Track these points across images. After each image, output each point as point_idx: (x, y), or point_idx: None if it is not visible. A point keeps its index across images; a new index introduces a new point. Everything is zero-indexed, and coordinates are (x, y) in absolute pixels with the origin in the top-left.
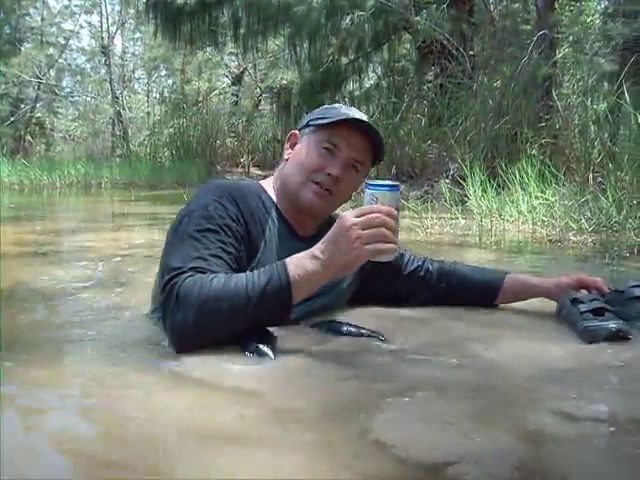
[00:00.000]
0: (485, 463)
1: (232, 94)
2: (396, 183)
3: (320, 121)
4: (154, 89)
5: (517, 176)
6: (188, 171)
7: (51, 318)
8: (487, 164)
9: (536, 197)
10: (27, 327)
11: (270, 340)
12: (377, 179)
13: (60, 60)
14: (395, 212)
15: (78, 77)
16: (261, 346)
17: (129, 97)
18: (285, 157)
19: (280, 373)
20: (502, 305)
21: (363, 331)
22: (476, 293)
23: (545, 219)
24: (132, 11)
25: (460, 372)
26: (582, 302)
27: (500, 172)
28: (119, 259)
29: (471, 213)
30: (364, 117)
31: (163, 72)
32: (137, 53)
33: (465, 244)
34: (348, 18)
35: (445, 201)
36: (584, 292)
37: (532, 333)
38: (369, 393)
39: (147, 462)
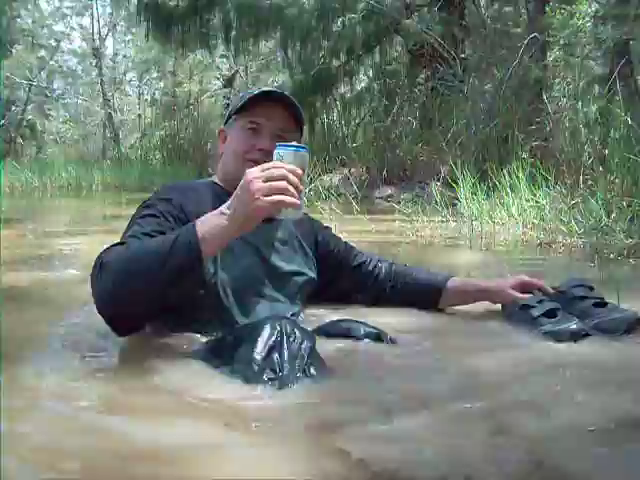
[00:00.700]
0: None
1: (223, 97)
2: (304, 145)
3: (236, 109)
4: (145, 91)
5: (508, 179)
6: (179, 174)
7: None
8: (478, 167)
9: (526, 200)
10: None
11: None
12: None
13: (51, 62)
14: (299, 171)
15: (69, 79)
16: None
17: (120, 99)
18: (220, 152)
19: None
20: (455, 309)
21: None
22: (420, 295)
23: (535, 222)
24: (123, 13)
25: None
26: (532, 306)
27: (491, 175)
28: None
29: (462, 216)
30: (277, 89)
31: (154, 74)
32: (128, 55)
33: (455, 246)
34: (339, 21)
35: (436, 204)
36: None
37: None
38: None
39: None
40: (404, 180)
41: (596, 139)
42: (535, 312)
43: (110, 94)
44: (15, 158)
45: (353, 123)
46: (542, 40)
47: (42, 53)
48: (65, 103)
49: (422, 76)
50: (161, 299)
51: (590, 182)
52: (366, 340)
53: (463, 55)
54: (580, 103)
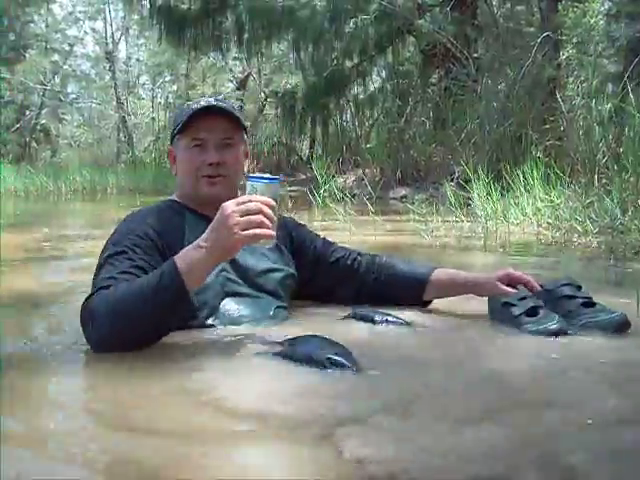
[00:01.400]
0: None
1: (237, 99)
2: (276, 177)
3: (177, 129)
4: (159, 95)
5: (522, 178)
6: None
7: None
8: (492, 167)
9: (541, 199)
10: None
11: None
12: (258, 173)
13: (65, 66)
14: (272, 202)
15: (83, 83)
16: (336, 357)
17: (134, 103)
18: (174, 173)
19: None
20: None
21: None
22: (404, 287)
23: (550, 221)
24: (136, 17)
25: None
26: (513, 304)
27: (505, 175)
28: None
29: (476, 216)
30: (210, 100)
31: (167, 78)
32: (141, 59)
33: (470, 247)
34: (352, 22)
35: (450, 204)
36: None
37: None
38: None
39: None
40: (418, 181)
41: (610, 137)
42: (516, 310)
43: (124, 98)
44: (30, 162)
45: (366, 124)
46: (555, 39)
47: (55, 57)
48: (79, 107)
49: (435, 76)
50: (155, 335)
51: (605, 181)
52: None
53: (476, 55)
54: (594, 101)
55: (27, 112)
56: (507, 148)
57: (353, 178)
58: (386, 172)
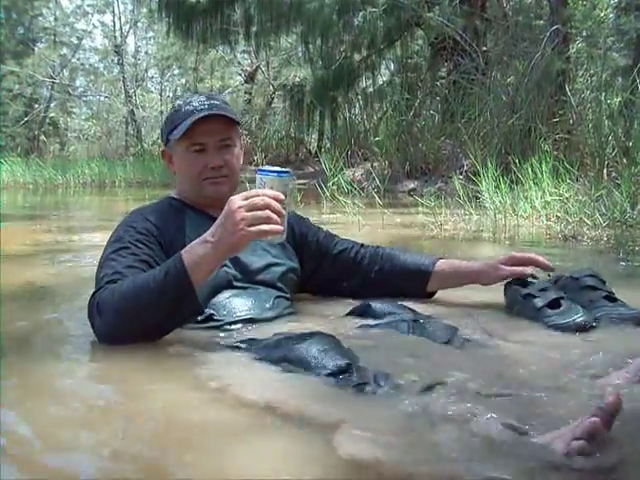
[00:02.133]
0: None
1: (245, 92)
2: (286, 170)
3: (175, 133)
4: (167, 88)
5: (531, 172)
6: None
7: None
8: (501, 160)
9: (550, 193)
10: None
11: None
12: (267, 166)
13: (73, 60)
14: (282, 196)
15: (91, 77)
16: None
17: (142, 96)
18: (173, 172)
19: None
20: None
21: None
22: (408, 278)
23: (559, 215)
24: (145, 10)
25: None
26: (535, 296)
27: (514, 168)
28: None
29: (485, 209)
30: (203, 101)
31: (176, 71)
32: (150, 52)
33: (479, 240)
34: (360, 15)
35: (459, 197)
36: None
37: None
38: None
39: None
40: (426, 174)
41: (619, 131)
42: (539, 302)
43: (132, 91)
44: (38, 155)
45: (375, 118)
46: (564, 32)
47: (64, 51)
48: (87, 100)
49: (444, 70)
50: (161, 329)
51: (614, 174)
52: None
53: (485, 48)
54: (603, 95)
55: (36, 105)
56: (516, 141)
57: (361, 171)
58: (395, 165)
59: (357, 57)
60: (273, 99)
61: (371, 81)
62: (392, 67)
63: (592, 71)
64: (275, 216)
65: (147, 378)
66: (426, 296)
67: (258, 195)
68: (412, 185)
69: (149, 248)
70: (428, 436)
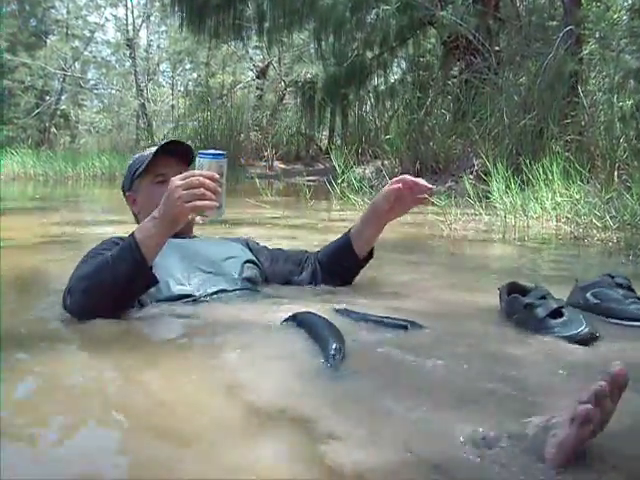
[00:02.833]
0: None
1: (257, 88)
2: (221, 152)
3: (139, 170)
4: (179, 82)
5: (541, 173)
6: None
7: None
8: (511, 160)
9: (560, 194)
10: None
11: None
12: (207, 149)
13: (85, 53)
14: (216, 176)
15: (103, 70)
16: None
17: (154, 90)
18: (136, 212)
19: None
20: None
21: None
22: (340, 254)
23: (569, 216)
24: (157, 4)
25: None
26: (536, 305)
27: (524, 169)
28: None
29: (495, 209)
30: (162, 141)
31: (188, 66)
32: (162, 46)
33: (489, 240)
34: (373, 12)
35: (469, 197)
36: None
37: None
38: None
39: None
40: (437, 173)
41: (631, 134)
42: (541, 312)
43: (143, 84)
44: (49, 148)
45: (386, 116)
46: (577, 33)
47: (76, 44)
48: (99, 93)
49: (456, 69)
50: (123, 302)
51: (625, 177)
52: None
53: (497, 48)
54: (615, 97)
55: (47, 97)
56: (527, 142)
57: (372, 169)
58: (405, 164)
59: (369, 55)
60: (284, 95)
61: (383, 79)
62: (404, 65)
63: (605, 73)
64: (209, 193)
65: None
66: (364, 260)
67: (194, 175)
68: None
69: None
70: (421, 443)
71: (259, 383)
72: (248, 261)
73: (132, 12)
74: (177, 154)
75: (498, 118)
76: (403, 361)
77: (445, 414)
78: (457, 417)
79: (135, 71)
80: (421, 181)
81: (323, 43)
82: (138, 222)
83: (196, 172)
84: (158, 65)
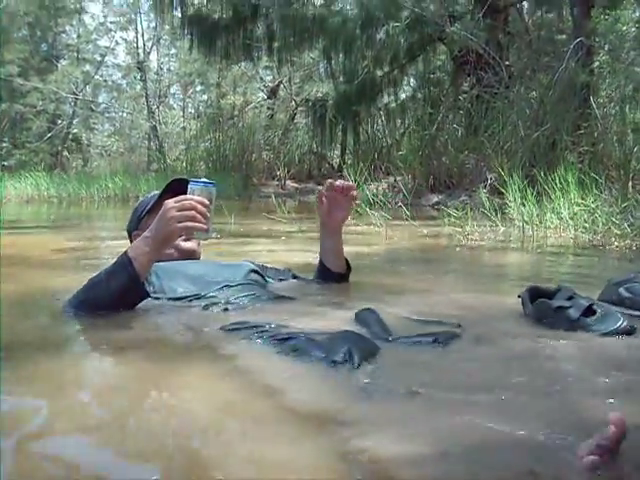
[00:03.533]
0: None
1: (267, 108)
2: (211, 181)
3: (146, 209)
4: (189, 105)
5: (557, 183)
6: (224, 184)
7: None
8: (525, 172)
9: (577, 204)
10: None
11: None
12: (198, 177)
13: (96, 76)
14: (206, 202)
15: (114, 93)
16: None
17: (165, 112)
18: None
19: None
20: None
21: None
22: (320, 274)
23: (587, 225)
24: (167, 27)
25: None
26: (567, 307)
27: (539, 179)
28: None
29: (511, 222)
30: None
31: (198, 88)
32: (172, 69)
33: (507, 248)
34: (383, 30)
35: (484, 209)
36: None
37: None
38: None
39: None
40: (450, 188)
41: None
42: (574, 313)
43: (154, 107)
44: (62, 171)
45: (397, 133)
46: (588, 45)
47: (87, 67)
48: (110, 116)
49: (466, 84)
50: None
51: (639, 187)
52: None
53: (507, 62)
54: (627, 108)
55: (59, 121)
56: (540, 154)
57: (385, 185)
58: (418, 179)
59: (379, 72)
60: (295, 114)
61: (393, 97)
62: (414, 82)
63: (616, 84)
64: (199, 216)
65: (160, 367)
66: (339, 275)
67: (187, 199)
68: (436, 199)
69: None
70: (434, 434)
71: (290, 383)
72: (253, 270)
73: (142, 35)
74: (182, 193)
75: (510, 131)
76: (442, 359)
77: (484, 411)
78: (495, 413)
79: (146, 94)
80: (346, 182)
81: (333, 62)
82: None
83: (188, 197)
84: (169, 87)
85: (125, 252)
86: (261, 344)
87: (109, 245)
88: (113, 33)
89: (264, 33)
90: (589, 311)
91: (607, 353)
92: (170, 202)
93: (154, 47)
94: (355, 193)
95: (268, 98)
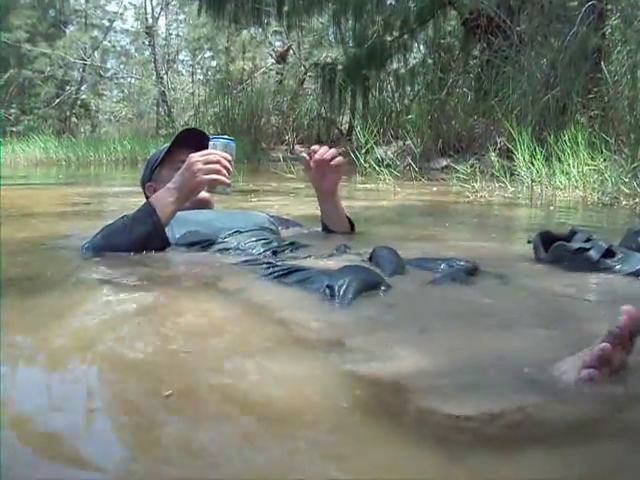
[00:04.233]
0: None
1: (276, 73)
2: (232, 138)
3: (158, 159)
4: (198, 70)
5: (566, 143)
6: None
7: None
8: (536, 136)
9: (586, 164)
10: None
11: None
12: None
13: (104, 42)
14: (229, 157)
15: (122, 59)
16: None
17: (173, 78)
18: None
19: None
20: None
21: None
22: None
23: (596, 186)
24: None
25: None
26: (587, 248)
27: (549, 141)
28: None
29: (520, 182)
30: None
31: (207, 54)
32: (181, 34)
33: (516, 205)
34: None
35: (494, 170)
36: None
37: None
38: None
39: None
40: (459, 152)
41: None
42: (594, 254)
43: (163, 73)
44: (70, 136)
45: (407, 100)
46: (600, 8)
47: (95, 33)
48: (119, 82)
49: (477, 49)
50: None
51: None
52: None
53: (518, 28)
54: (639, 73)
55: (67, 87)
56: (550, 118)
57: (394, 149)
58: (427, 143)
59: (389, 38)
60: (304, 80)
61: (403, 62)
62: (424, 48)
63: (628, 48)
64: (224, 170)
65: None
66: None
67: (211, 153)
68: (445, 163)
69: None
70: (434, 356)
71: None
72: (265, 219)
73: (151, 0)
74: (193, 144)
75: (520, 95)
76: (455, 291)
77: (496, 335)
78: (498, 339)
79: (155, 59)
80: (328, 149)
81: (343, 27)
82: None
83: (212, 150)
84: (177, 53)
85: (148, 202)
86: (269, 278)
87: (117, 199)
88: None
89: None
90: (608, 253)
91: (633, 291)
92: (195, 155)
93: (163, 12)
94: (340, 158)
95: (277, 63)
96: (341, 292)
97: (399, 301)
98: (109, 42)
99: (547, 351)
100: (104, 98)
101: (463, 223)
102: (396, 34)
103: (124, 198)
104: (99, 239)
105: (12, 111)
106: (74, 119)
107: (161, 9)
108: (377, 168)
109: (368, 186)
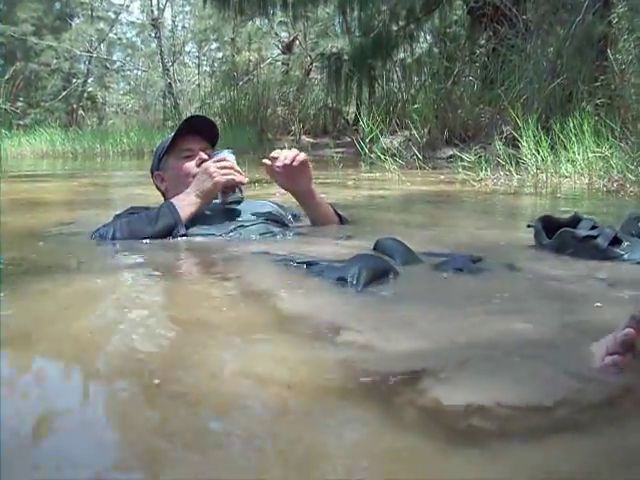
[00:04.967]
0: None
1: (282, 63)
2: (232, 150)
3: (166, 146)
4: (204, 62)
5: (572, 130)
6: (239, 137)
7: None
8: (541, 124)
9: (592, 151)
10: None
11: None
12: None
13: (110, 34)
14: (236, 166)
15: (129, 51)
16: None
17: (179, 70)
18: (164, 188)
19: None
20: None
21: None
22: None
23: (602, 173)
24: None
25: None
26: (594, 236)
27: (555, 129)
28: None
29: (526, 171)
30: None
31: (213, 45)
32: (187, 26)
33: (521, 193)
34: None
35: (500, 158)
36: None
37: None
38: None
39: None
40: (465, 141)
41: None
42: (601, 242)
43: (169, 65)
44: (77, 128)
45: (413, 89)
46: None
47: (101, 25)
48: (125, 75)
49: (483, 37)
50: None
51: None
52: None
53: (525, 17)
54: None
55: (74, 80)
56: (557, 106)
57: (400, 139)
58: (433, 132)
59: (395, 27)
60: (310, 70)
61: (409, 52)
62: (430, 38)
63: (634, 36)
64: (237, 173)
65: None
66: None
67: (223, 159)
68: (451, 152)
69: None
70: (440, 341)
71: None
72: (272, 210)
73: None
74: (201, 131)
75: (526, 84)
76: (461, 278)
77: (503, 316)
78: (514, 318)
79: (161, 51)
80: (288, 153)
81: (348, 17)
82: (166, 199)
83: (223, 157)
84: (184, 45)
85: (170, 202)
86: (277, 268)
87: (122, 189)
88: None
89: None
90: (615, 241)
91: None
92: (210, 162)
93: (168, 4)
94: (302, 155)
95: (283, 54)
96: (354, 281)
97: (407, 287)
98: (115, 34)
99: (564, 337)
100: (111, 90)
101: (469, 211)
102: (402, 23)
103: (129, 188)
104: (124, 226)
105: (19, 104)
106: (81, 112)
107: (167, 1)
108: (383, 157)
109: (372, 175)
